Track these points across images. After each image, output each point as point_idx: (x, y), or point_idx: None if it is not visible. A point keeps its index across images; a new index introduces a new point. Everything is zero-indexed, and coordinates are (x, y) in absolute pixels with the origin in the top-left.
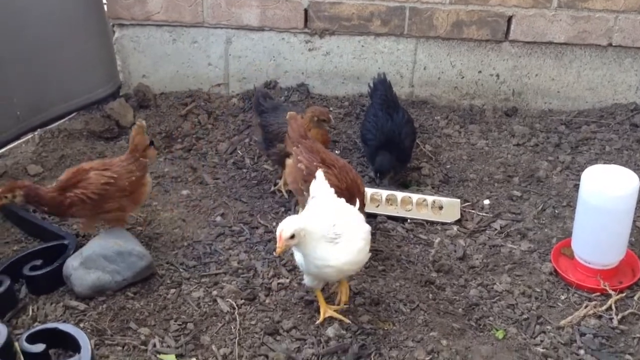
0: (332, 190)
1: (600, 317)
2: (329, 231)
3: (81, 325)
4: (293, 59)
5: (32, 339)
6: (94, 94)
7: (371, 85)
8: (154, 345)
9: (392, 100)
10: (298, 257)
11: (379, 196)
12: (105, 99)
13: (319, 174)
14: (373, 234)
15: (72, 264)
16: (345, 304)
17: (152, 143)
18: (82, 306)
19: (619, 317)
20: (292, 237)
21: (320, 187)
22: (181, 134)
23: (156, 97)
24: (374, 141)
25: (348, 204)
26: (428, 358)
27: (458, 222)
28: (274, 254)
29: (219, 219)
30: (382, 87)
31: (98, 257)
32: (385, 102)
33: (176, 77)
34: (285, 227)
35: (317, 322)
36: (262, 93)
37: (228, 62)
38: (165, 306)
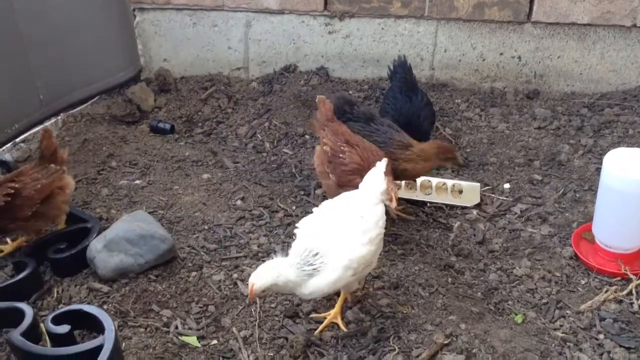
0: (384, 184)
1: (620, 301)
2: (304, 269)
3: (104, 307)
4: (312, 42)
5: (57, 320)
6: (115, 77)
7: (391, 68)
8: (176, 327)
9: (412, 83)
10: None
11: (398, 180)
12: (126, 83)
13: (382, 163)
14: (392, 218)
15: (96, 247)
16: (362, 291)
17: (172, 127)
18: (105, 288)
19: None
20: (264, 290)
21: (375, 177)
22: (201, 118)
23: (177, 81)
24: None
25: (376, 210)
26: (447, 341)
27: (478, 206)
28: (248, 299)
29: (239, 202)
30: (402, 70)
31: (121, 240)
32: (404, 84)
33: (196, 61)
34: (258, 283)
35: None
36: (345, 100)
37: (248, 45)
38: (187, 289)
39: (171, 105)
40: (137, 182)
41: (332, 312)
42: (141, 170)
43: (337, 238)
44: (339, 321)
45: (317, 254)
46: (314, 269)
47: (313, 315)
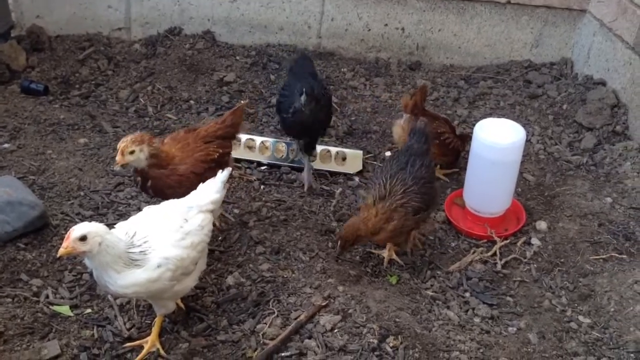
0: (219, 196)
1: (485, 262)
2: (131, 250)
3: None
4: (199, 5)
5: None
6: None
7: (292, 63)
8: (47, 297)
9: (313, 70)
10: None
11: (283, 147)
12: None
13: (224, 173)
14: (277, 185)
15: None
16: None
17: (46, 88)
18: None
19: (502, 262)
20: (84, 239)
21: (211, 185)
22: (79, 80)
23: (51, 40)
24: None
25: (201, 216)
26: (324, 303)
27: (360, 173)
28: (57, 255)
29: (118, 168)
30: (302, 60)
31: None
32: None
33: (73, 18)
34: (78, 227)
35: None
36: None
37: (130, 4)
38: (60, 257)
39: (45, 65)
40: (6, 145)
41: (150, 338)
42: (10, 133)
43: (160, 237)
44: (159, 346)
45: (144, 237)
46: (141, 252)
47: (127, 344)
